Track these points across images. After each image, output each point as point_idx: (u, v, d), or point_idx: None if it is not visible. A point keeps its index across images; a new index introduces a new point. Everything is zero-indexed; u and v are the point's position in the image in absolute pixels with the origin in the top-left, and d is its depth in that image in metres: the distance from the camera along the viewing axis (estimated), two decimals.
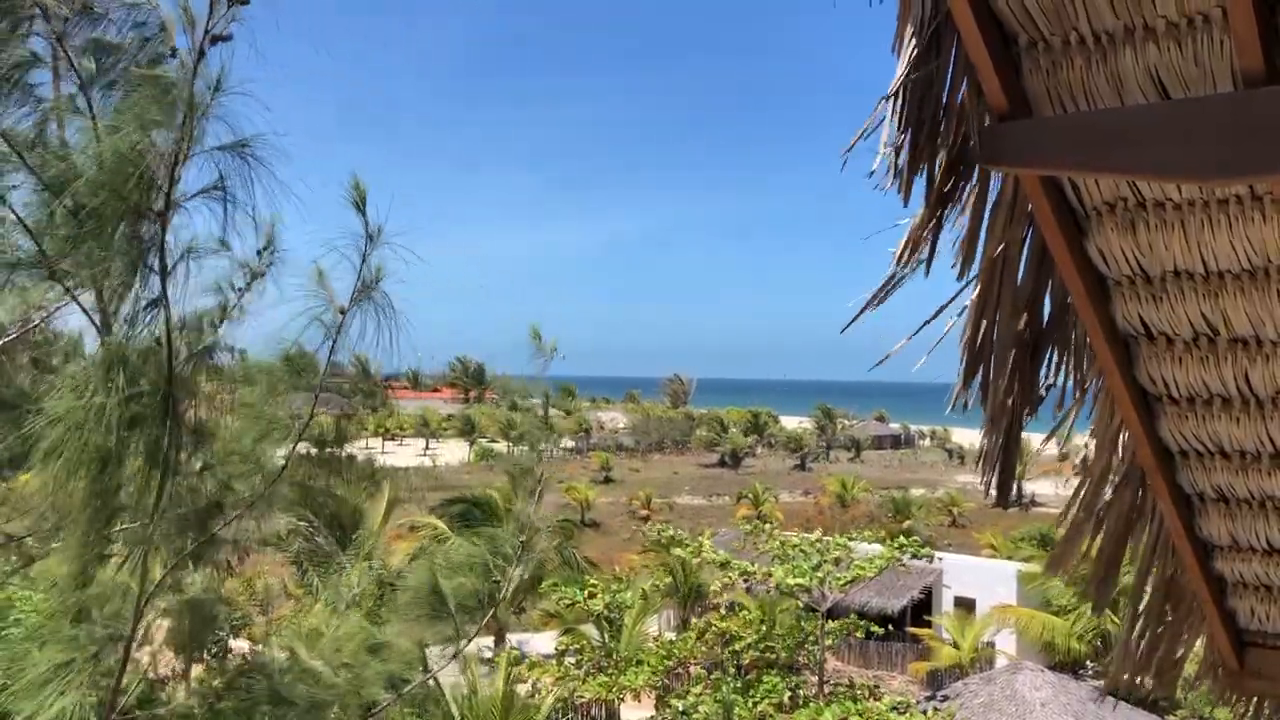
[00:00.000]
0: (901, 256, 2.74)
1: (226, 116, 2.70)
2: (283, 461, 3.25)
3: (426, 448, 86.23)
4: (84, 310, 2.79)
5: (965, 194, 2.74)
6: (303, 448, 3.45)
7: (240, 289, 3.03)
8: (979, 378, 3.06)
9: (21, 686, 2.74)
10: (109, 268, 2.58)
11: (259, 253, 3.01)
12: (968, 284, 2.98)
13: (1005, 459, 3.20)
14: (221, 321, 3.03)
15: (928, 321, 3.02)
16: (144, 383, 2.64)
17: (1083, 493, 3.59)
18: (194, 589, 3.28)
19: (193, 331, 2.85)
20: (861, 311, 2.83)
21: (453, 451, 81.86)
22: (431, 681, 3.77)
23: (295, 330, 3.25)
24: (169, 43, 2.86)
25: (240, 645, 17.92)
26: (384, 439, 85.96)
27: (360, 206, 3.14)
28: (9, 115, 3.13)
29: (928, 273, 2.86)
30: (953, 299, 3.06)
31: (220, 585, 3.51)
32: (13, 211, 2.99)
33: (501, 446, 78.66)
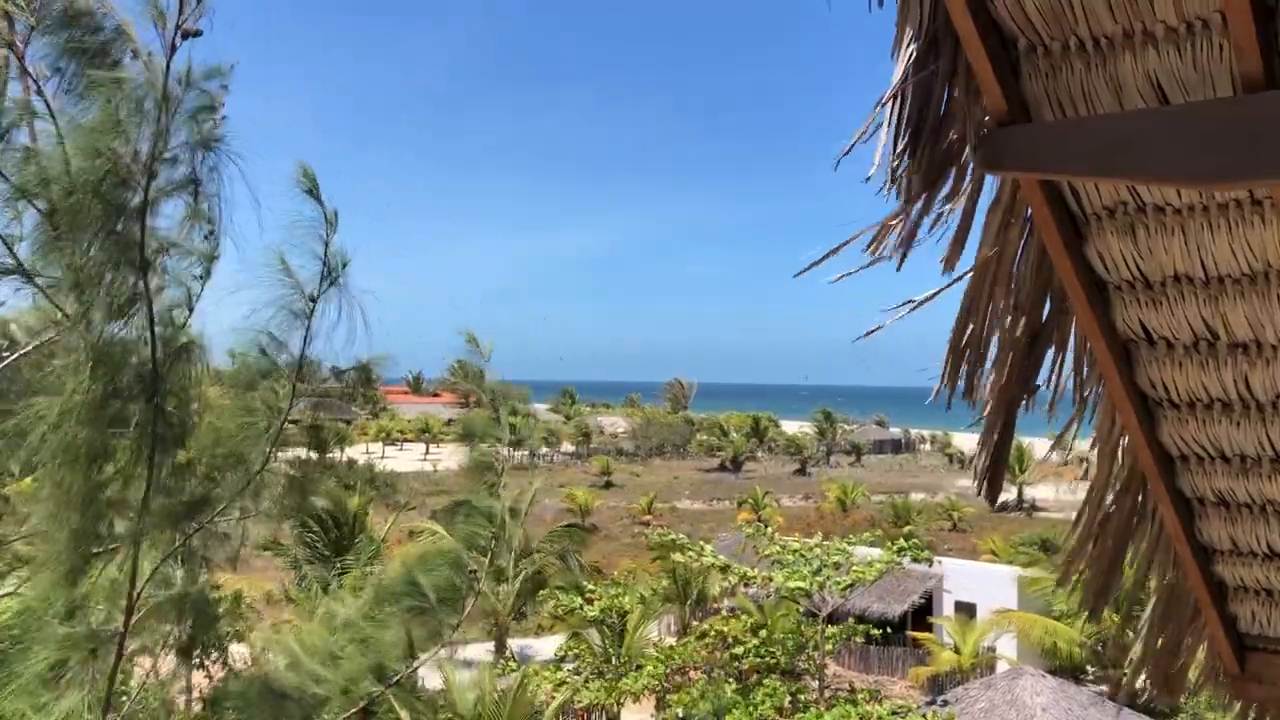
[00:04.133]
0: (892, 254, 2.73)
1: (199, 114, 2.72)
2: (264, 454, 3.24)
3: (427, 452, 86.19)
4: (63, 313, 2.79)
5: (961, 193, 2.74)
6: (300, 451, 3.44)
7: (199, 276, 3.00)
8: (963, 374, 3.05)
9: (18, 687, 2.74)
10: (88, 268, 2.59)
11: (205, 237, 2.96)
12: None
13: (996, 458, 3.20)
14: (190, 313, 3.01)
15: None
16: (128, 378, 2.65)
17: (1090, 501, 3.59)
18: (183, 584, 3.27)
19: (166, 325, 2.85)
20: (840, 276, 2.79)
21: (453, 456, 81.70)
22: (428, 682, 3.79)
23: (261, 320, 3.21)
24: (130, 44, 2.87)
25: (241, 650, 17.89)
26: (384, 444, 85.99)
27: (314, 194, 3.11)
28: None
29: (945, 271, 2.86)
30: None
31: (210, 581, 3.49)
32: None
33: (502, 450, 78.04)
